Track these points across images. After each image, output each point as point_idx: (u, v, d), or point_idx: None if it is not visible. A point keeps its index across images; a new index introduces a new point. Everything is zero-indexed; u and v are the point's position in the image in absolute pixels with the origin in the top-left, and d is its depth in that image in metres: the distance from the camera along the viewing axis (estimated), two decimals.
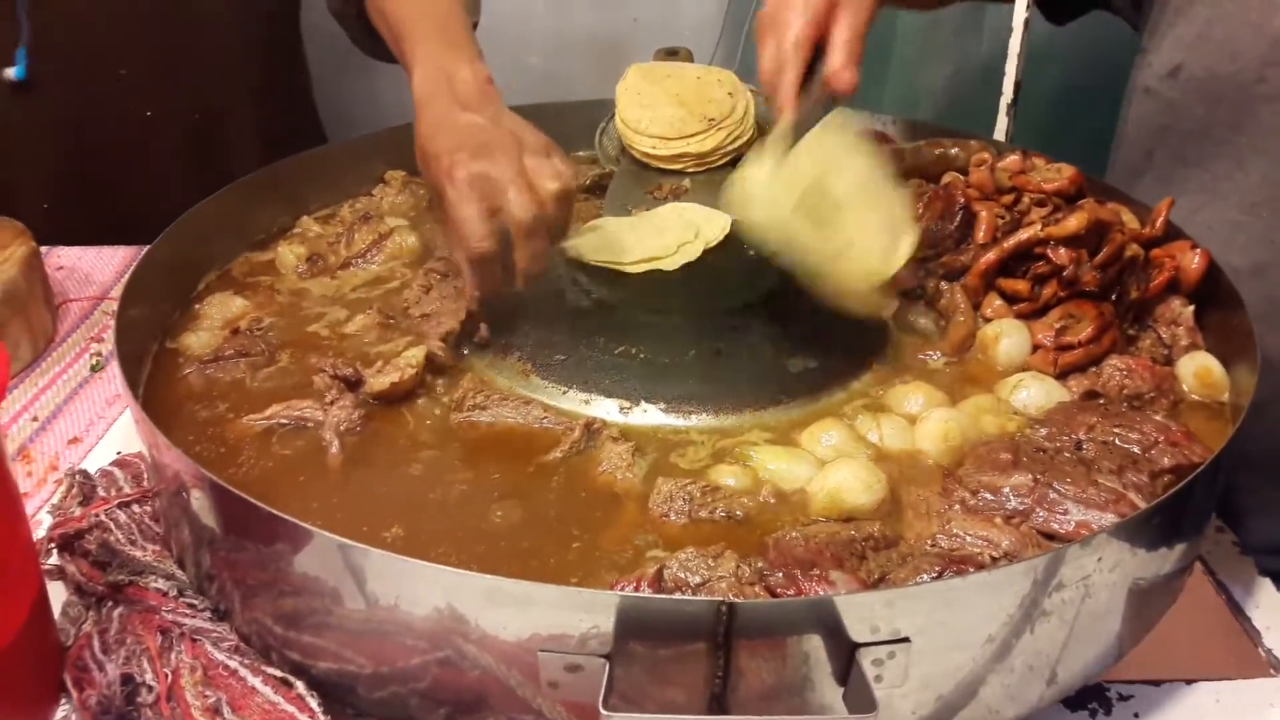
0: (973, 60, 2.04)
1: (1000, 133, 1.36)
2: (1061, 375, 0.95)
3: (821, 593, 0.69)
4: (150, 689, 0.75)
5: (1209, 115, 1.12)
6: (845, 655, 0.64)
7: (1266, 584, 0.93)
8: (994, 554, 0.75)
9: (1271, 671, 0.85)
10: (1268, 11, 1.06)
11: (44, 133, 1.50)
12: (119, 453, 1.01)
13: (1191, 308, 0.99)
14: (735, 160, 1.22)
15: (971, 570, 0.72)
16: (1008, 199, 1.05)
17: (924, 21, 2.04)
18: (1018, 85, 1.33)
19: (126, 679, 0.75)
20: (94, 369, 1.18)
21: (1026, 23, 1.29)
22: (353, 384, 0.92)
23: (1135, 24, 1.25)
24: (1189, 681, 0.83)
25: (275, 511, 0.70)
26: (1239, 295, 0.95)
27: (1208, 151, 1.13)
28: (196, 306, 1.07)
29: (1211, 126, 1.12)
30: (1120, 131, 1.25)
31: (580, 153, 1.37)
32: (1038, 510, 0.78)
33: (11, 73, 1.46)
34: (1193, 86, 1.12)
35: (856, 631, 0.64)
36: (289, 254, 1.15)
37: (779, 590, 0.71)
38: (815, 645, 0.65)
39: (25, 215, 1.27)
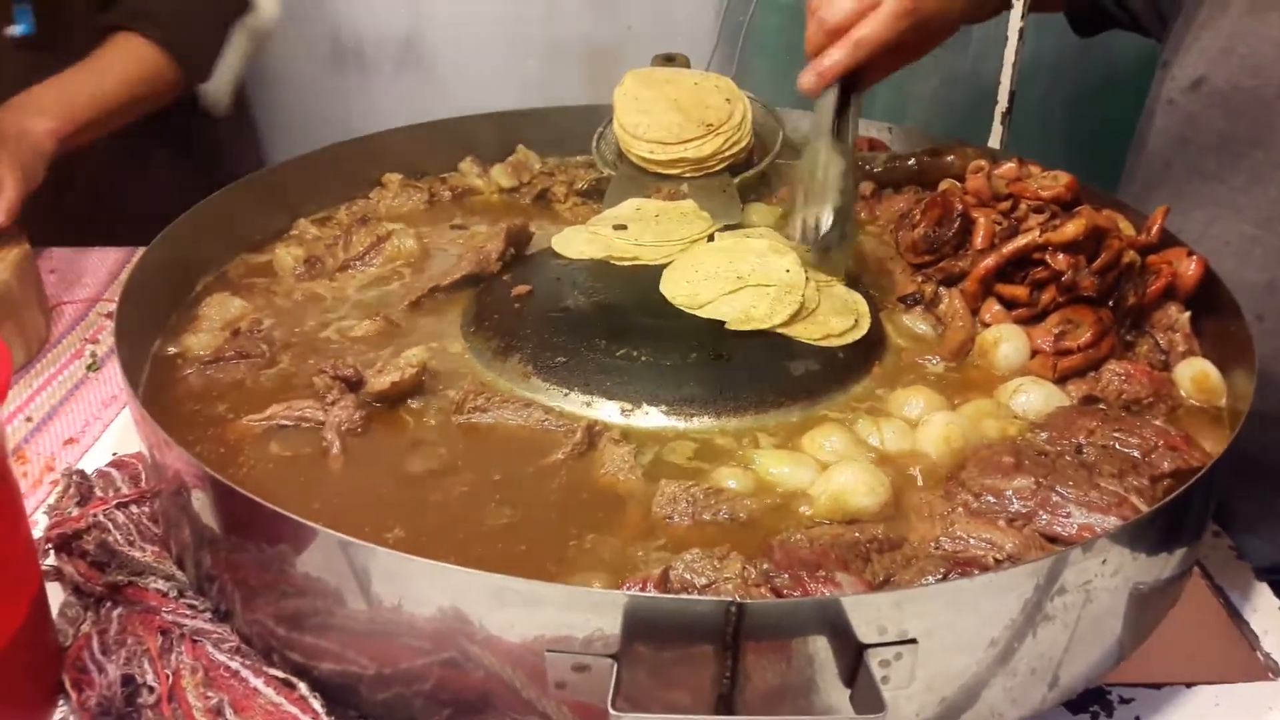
0: (960, 71, 2.06)
1: (995, 140, 1.37)
2: (1060, 380, 0.95)
3: (828, 594, 0.69)
4: (151, 690, 0.74)
5: (1229, 129, 1.12)
6: (853, 656, 0.64)
7: (1264, 589, 0.94)
8: (998, 556, 0.75)
9: (1269, 675, 0.85)
10: None
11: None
12: (115, 454, 1.01)
13: (1188, 314, 1.00)
14: (732, 166, 1.22)
15: (977, 572, 0.72)
16: (1005, 205, 1.05)
17: None
18: (1012, 94, 1.34)
19: (127, 680, 0.75)
20: (90, 369, 1.18)
21: (1021, 33, 1.30)
22: (353, 384, 0.92)
23: (1160, 37, 1.25)
24: (1189, 685, 0.84)
25: (279, 510, 0.70)
26: (1236, 302, 0.96)
27: (1225, 165, 1.13)
28: (196, 308, 1.06)
29: (1230, 140, 1.12)
30: (1137, 143, 1.25)
31: (578, 157, 1.38)
32: (1040, 513, 0.78)
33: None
34: (1215, 99, 1.12)
35: (864, 633, 0.64)
36: (287, 256, 1.14)
37: (785, 591, 0.71)
38: (822, 646, 0.65)
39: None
